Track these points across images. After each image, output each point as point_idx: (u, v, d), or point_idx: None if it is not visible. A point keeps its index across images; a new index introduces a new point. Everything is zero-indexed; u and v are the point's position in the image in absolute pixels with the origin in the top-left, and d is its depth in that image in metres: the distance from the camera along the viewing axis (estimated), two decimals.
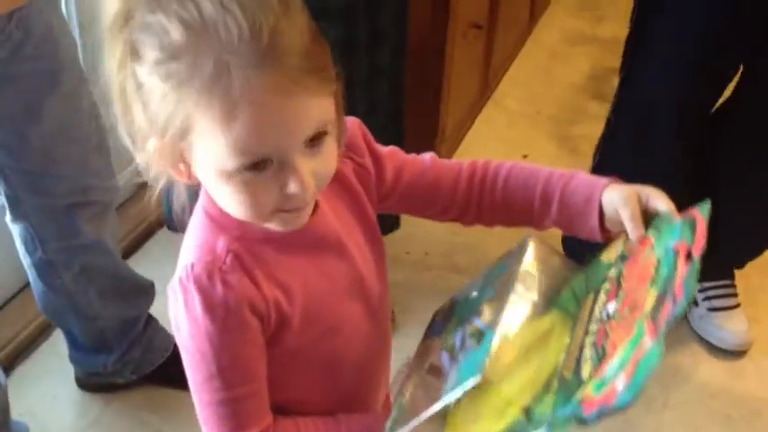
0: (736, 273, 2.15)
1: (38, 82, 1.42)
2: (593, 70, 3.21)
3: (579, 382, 0.79)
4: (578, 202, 0.94)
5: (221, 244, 0.84)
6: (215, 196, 0.83)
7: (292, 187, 0.78)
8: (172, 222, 2.25)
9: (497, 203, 0.99)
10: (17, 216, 1.60)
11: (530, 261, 0.87)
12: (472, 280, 0.96)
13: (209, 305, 0.82)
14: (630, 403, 0.75)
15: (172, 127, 0.77)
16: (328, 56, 0.79)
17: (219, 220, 0.85)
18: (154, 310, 1.87)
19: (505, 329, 0.81)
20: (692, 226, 0.84)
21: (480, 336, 0.84)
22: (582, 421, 0.75)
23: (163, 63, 0.75)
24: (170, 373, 1.88)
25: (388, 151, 0.99)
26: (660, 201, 0.88)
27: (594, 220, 0.92)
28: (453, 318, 0.92)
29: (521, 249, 0.89)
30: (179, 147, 0.79)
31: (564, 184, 0.95)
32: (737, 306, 2.11)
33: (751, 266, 2.14)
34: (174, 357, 1.87)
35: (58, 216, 1.59)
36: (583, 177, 0.96)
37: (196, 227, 0.88)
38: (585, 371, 0.79)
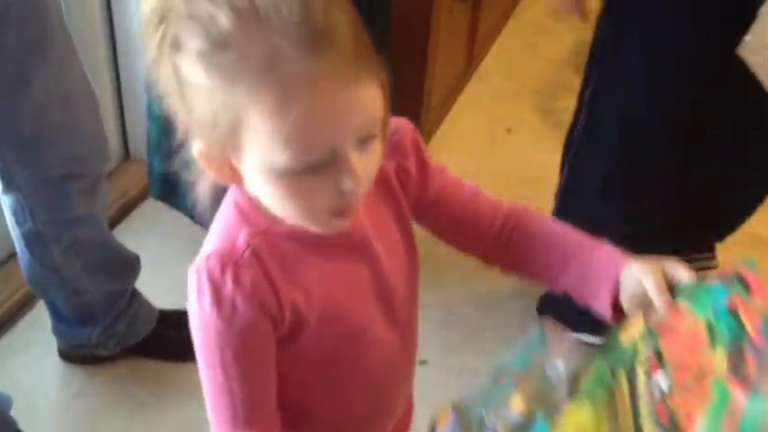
0: (719, 246, 2.16)
1: (26, 48, 1.40)
2: (577, 45, 3.19)
3: None
4: (595, 279, 0.92)
5: (242, 237, 0.82)
6: (266, 200, 0.80)
7: (348, 183, 0.75)
8: (158, 191, 2.23)
9: (520, 258, 0.98)
10: (9, 187, 1.58)
11: (552, 356, 0.85)
12: (473, 391, 0.91)
13: (218, 300, 0.80)
14: None
15: (220, 125, 0.74)
16: (371, 44, 0.77)
17: (248, 214, 0.84)
18: (138, 282, 1.86)
19: None
20: (740, 281, 0.83)
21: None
22: None
23: (209, 54, 0.71)
24: (155, 345, 1.88)
25: (438, 167, 0.96)
26: (683, 272, 0.87)
27: (606, 298, 0.90)
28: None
29: (536, 340, 0.87)
30: (226, 150, 0.77)
31: (583, 259, 0.93)
32: None
33: (732, 239, 2.14)
34: (159, 330, 1.88)
35: (51, 188, 1.58)
36: (604, 254, 0.93)
37: (223, 217, 0.86)
38: None
